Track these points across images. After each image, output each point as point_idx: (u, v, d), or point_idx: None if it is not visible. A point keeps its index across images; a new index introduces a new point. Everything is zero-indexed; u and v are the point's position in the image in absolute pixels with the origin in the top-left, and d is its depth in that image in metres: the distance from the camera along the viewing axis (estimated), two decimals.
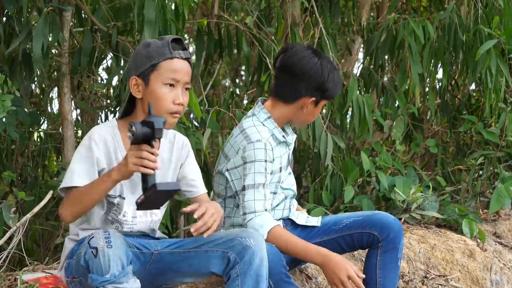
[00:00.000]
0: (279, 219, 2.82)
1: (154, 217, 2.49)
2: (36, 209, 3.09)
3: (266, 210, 2.62)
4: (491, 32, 4.22)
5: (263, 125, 2.72)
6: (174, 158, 2.52)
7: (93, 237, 2.10)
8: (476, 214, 4.28)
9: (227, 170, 2.70)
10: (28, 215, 3.03)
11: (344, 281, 2.47)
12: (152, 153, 2.11)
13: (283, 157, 2.78)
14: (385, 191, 4.05)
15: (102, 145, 2.33)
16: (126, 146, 2.37)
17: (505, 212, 4.48)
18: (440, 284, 3.51)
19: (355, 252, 3.39)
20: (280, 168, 2.76)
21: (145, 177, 2.12)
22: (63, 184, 2.28)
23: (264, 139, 2.65)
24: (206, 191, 2.61)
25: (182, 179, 2.55)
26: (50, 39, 3.59)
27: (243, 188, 2.63)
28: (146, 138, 2.11)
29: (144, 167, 2.09)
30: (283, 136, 2.75)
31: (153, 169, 2.11)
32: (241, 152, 2.66)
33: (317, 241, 2.80)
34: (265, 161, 2.63)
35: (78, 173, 2.27)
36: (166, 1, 3.48)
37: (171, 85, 2.34)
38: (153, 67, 2.32)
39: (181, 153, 2.54)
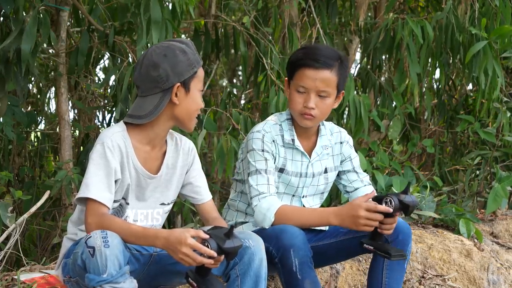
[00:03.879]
0: None
1: (155, 222, 2.49)
2: (33, 209, 3.09)
3: (270, 193, 2.64)
4: (480, 33, 4.23)
5: (279, 124, 2.77)
6: (180, 164, 2.50)
7: (90, 236, 2.09)
8: (473, 214, 4.28)
9: (241, 160, 2.79)
10: (25, 215, 3.03)
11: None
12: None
13: (297, 164, 2.78)
14: (382, 191, 4.05)
15: (117, 152, 2.31)
16: (136, 151, 2.36)
17: (502, 212, 4.48)
18: (437, 284, 3.52)
19: None
20: (289, 172, 2.76)
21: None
22: (80, 194, 2.26)
23: (263, 131, 2.71)
24: (211, 197, 2.61)
25: (187, 186, 2.55)
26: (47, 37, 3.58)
27: (248, 175, 2.68)
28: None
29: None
30: (292, 140, 2.75)
31: None
32: (245, 142, 2.75)
33: (325, 243, 2.79)
34: (263, 150, 2.68)
35: (95, 183, 2.25)
36: (163, 1, 3.48)
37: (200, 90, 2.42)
38: (194, 75, 2.35)
39: (187, 159, 2.52)
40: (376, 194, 2.52)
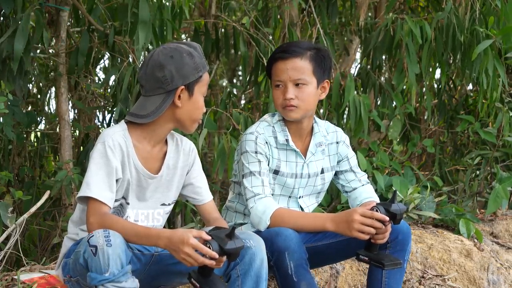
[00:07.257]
0: None
1: (156, 223, 2.49)
2: (33, 209, 3.09)
3: (266, 195, 2.64)
4: (487, 32, 4.22)
5: (271, 125, 2.76)
6: (181, 164, 2.51)
7: (92, 235, 2.09)
8: (473, 214, 4.28)
9: (237, 162, 2.78)
10: (25, 215, 3.03)
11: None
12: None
13: (292, 165, 2.77)
14: (382, 191, 4.05)
15: (118, 151, 2.32)
16: (137, 150, 2.37)
17: (502, 212, 4.48)
18: (437, 284, 3.52)
19: None
20: (284, 173, 2.76)
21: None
22: (81, 193, 2.26)
23: (256, 132, 2.71)
24: (212, 197, 2.62)
25: (188, 186, 2.56)
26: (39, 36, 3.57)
27: (242, 177, 2.68)
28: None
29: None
30: (286, 140, 2.74)
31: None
32: (239, 144, 2.76)
33: (324, 243, 2.77)
34: (256, 152, 2.68)
35: (96, 182, 2.26)
36: (164, 1, 3.47)
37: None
38: (199, 79, 2.36)
39: (188, 160, 2.53)
40: (376, 203, 2.52)
